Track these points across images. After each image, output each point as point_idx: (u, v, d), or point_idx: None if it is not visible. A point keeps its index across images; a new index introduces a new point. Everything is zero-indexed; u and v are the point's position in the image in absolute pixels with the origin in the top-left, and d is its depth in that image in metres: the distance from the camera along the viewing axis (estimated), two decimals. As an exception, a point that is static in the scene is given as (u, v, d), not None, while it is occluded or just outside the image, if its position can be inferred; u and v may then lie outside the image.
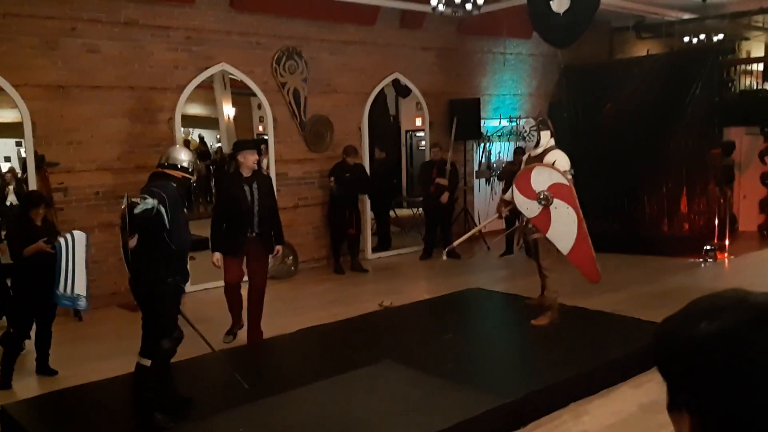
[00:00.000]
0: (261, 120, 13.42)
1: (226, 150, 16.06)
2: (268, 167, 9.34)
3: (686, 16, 12.03)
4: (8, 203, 10.18)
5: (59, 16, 7.40)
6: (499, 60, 11.92)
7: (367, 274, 9.40)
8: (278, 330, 6.59)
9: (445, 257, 7.28)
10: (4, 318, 6.09)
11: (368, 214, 10.36)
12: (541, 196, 6.05)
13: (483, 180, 11.85)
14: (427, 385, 4.82)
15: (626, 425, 4.49)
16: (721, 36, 12.78)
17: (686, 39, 13.07)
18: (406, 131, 14.34)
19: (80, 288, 5.29)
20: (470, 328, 6.55)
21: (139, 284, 4.41)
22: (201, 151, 16.30)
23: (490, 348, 6.12)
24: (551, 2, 8.39)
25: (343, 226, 9.30)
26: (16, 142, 11.48)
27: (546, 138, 6.38)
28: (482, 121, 11.34)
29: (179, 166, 4.72)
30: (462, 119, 10.75)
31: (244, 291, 6.38)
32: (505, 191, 9.90)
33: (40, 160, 7.32)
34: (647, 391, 4.98)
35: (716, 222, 9.77)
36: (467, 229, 11.25)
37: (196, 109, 15.86)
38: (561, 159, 6.27)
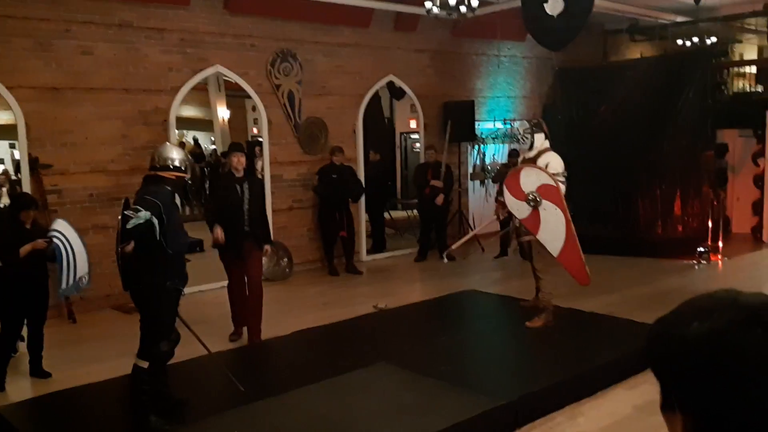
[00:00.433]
0: (255, 122, 13.44)
1: (221, 152, 16.07)
2: (262, 169, 9.35)
3: (679, 19, 12.08)
4: (1, 205, 10.15)
5: (53, 17, 7.39)
6: (494, 62, 11.94)
7: (361, 276, 9.40)
8: (273, 332, 6.59)
9: (445, 260, 7.31)
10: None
11: (363, 216, 10.36)
12: (530, 197, 6.08)
13: (477, 182, 11.87)
14: (422, 387, 4.83)
15: (621, 426, 4.50)
16: (714, 39, 12.85)
17: (679, 42, 13.13)
18: (401, 133, 14.37)
19: (82, 269, 5.32)
20: (465, 330, 6.56)
21: (139, 288, 4.40)
22: (196, 153, 16.27)
23: (485, 350, 6.13)
24: (545, 5, 8.42)
25: (333, 229, 9.29)
26: (10, 144, 11.46)
27: (540, 140, 6.41)
28: (476, 124, 11.36)
29: (172, 166, 4.60)
30: (456, 121, 10.77)
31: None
32: (500, 194, 9.95)
33: (33, 162, 7.30)
34: (642, 393, 4.99)
35: (710, 224, 9.80)
36: (462, 230, 11.28)
37: (190, 111, 15.86)
38: (554, 161, 6.30)
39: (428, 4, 8.18)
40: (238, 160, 6.33)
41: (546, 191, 6.03)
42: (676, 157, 9.99)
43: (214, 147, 17.00)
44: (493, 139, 11.95)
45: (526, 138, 6.43)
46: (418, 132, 11.73)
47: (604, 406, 4.81)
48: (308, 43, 9.51)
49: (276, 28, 9.16)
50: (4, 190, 10.43)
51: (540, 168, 6.15)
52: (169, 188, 4.50)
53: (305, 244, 9.67)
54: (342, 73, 9.93)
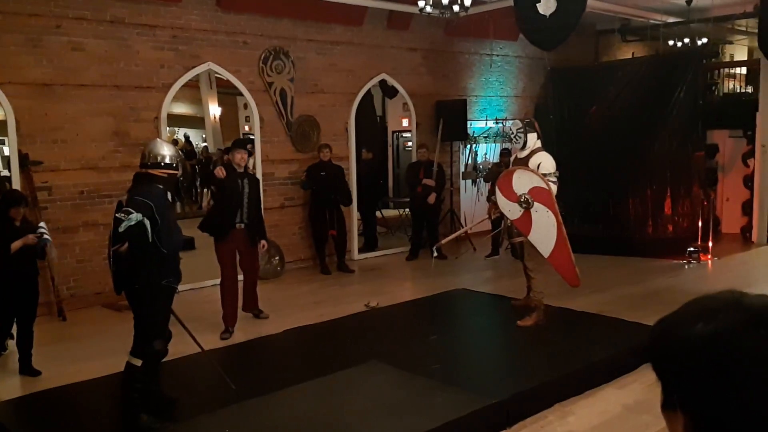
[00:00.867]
0: (247, 120, 13.41)
1: (212, 149, 16.02)
2: (254, 167, 9.32)
3: (671, 20, 12.13)
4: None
5: (44, 13, 7.34)
6: (486, 62, 11.96)
7: (353, 274, 9.40)
8: (265, 330, 6.60)
9: (435, 254, 7.33)
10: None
11: (354, 215, 10.35)
12: (522, 199, 6.10)
13: (469, 181, 11.88)
14: (413, 386, 4.83)
15: (611, 425, 4.52)
16: (704, 40, 12.92)
17: (671, 42, 13.19)
18: (393, 132, 14.36)
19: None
20: (456, 329, 6.57)
21: (134, 288, 4.38)
22: (187, 150, 16.21)
23: (476, 349, 6.14)
24: (538, 5, 8.44)
25: (323, 227, 9.29)
26: (-1, 140, 11.37)
27: (533, 140, 6.43)
28: (469, 123, 11.37)
29: (163, 163, 4.53)
30: (449, 120, 10.78)
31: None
32: (491, 193, 9.96)
33: (23, 158, 7.25)
34: (632, 392, 5.02)
35: (700, 224, 9.86)
36: (454, 230, 11.29)
37: (181, 109, 15.80)
38: (546, 161, 6.31)
39: (421, 3, 8.19)
40: (242, 157, 6.67)
41: (537, 194, 6.05)
42: (667, 157, 10.04)
43: (205, 144, 16.94)
44: (485, 138, 11.97)
45: (519, 137, 6.44)
46: (410, 131, 11.73)
47: (595, 405, 4.82)
48: (301, 41, 9.50)
49: (268, 26, 9.14)
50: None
51: (532, 171, 6.17)
52: (160, 187, 4.46)
53: (297, 242, 9.66)
54: (334, 71, 9.91)
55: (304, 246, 9.73)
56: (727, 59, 15.56)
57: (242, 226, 6.61)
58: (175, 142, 15.42)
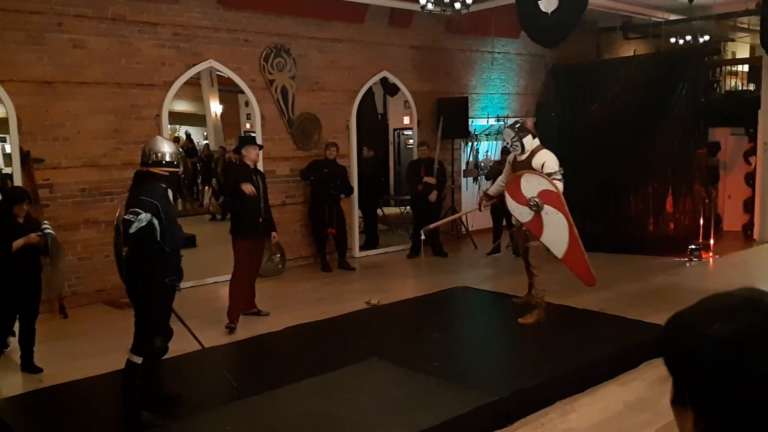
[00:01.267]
0: (248, 117, 13.40)
1: (213, 147, 16.02)
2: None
3: (673, 17, 12.10)
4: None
5: (45, 11, 7.34)
6: (488, 59, 11.95)
7: (354, 272, 9.40)
8: (266, 327, 6.60)
9: (423, 236, 7.37)
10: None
11: (356, 213, 10.35)
12: (532, 203, 6.10)
13: (471, 179, 11.88)
14: (414, 384, 4.83)
15: (612, 423, 4.52)
16: (707, 37, 12.89)
17: (673, 40, 13.17)
18: (394, 129, 14.35)
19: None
20: (457, 327, 6.58)
21: (137, 285, 4.38)
22: (188, 148, 16.22)
23: (477, 346, 6.14)
24: (539, 2, 8.42)
25: (323, 225, 9.29)
26: (1, 137, 11.38)
27: (529, 142, 6.38)
28: (470, 120, 11.37)
29: (164, 161, 4.52)
30: (450, 118, 10.77)
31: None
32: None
33: (25, 156, 7.26)
34: (633, 390, 5.02)
35: (701, 222, 9.84)
36: (455, 227, 11.31)
37: (183, 106, 15.82)
38: (549, 160, 6.29)
39: (423, 0, 8.17)
40: (257, 154, 6.98)
41: (547, 196, 6.06)
42: (669, 154, 10.02)
43: (206, 142, 16.95)
44: (487, 135, 11.96)
45: (516, 146, 6.39)
46: (411, 128, 11.72)
47: (596, 403, 4.82)
48: (302, 39, 9.49)
49: (270, 23, 9.14)
50: (-4, 184, 10.36)
51: (540, 174, 6.16)
52: (163, 185, 4.45)
53: (298, 239, 9.66)
54: (336, 68, 9.91)
55: (305, 243, 9.74)
56: (729, 57, 15.52)
57: (261, 220, 6.82)
58: (176, 140, 15.43)
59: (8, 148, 8.24)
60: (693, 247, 9.58)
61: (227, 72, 8.91)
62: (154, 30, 8.12)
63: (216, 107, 16.25)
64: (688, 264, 9.40)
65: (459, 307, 7.53)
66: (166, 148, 4.58)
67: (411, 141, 12.35)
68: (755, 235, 10.96)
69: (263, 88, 9.15)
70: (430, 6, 8.21)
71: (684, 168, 9.95)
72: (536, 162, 6.29)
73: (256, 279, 7.14)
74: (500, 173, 7.16)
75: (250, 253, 6.83)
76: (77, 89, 7.60)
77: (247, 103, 10.64)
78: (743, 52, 15.69)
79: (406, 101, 11.28)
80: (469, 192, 11.84)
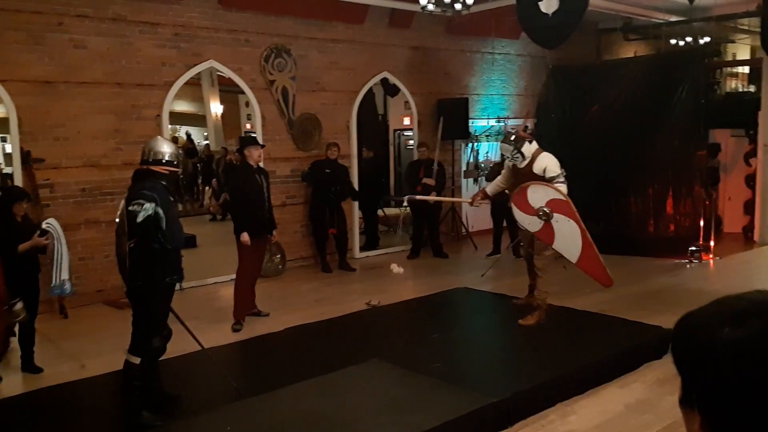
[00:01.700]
0: (249, 118, 13.40)
1: (214, 147, 16.03)
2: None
3: (673, 19, 12.11)
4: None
5: (46, 11, 7.34)
6: (488, 60, 11.95)
7: (354, 272, 9.40)
8: (266, 328, 6.60)
9: (405, 203, 7.42)
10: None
11: (356, 213, 10.35)
12: (541, 213, 6.10)
13: (471, 180, 11.88)
14: (415, 384, 4.83)
15: (612, 425, 4.51)
16: (707, 39, 12.89)
17: (673, 41, 13.17)
18: (394, 130, 14.35)
19: (65, 271, 5.35)
20: (458, 328, 6.57)
21: (136, 283, 4.37)
22: (188, 148, 16.22)
23: (478, 347, 6.14)
24: (540, 3, 8.42)
25: (324, 226, 9.29)
26: (1, 137, 11.39)
27: (528, 149, 6.34)
28: (470, 121, 11.36)
29: (164, 160, 4.52)
30: (450, 119, 10.77)
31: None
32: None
33: (25, 155, 7.26)
34: (633, 391, 5.02)
35: (701, 223, 9.84)
36: (455, 228, 11.30)
37: (183, 106, 15.82)
38: (551, 163, 6.27)
39: (423, 1, 8.17)
40: (260, 154, 6.99)
41: (556, 205, 6.06)
42: (669, 156, 10.02)
43: (206, 142, 16.95)
44: (487, 136, 11.96)
45: (517, 157, 6.35)
46: (411, 129, 11.72)
47: (596, 405, 4.82)
48: (302, 39, 9.49)
49: (270, 24, 9.14)
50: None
51: (545, 184, 6.15)
52: (163, 183, 4.46)
53: (298, 240, 9.66)
54: (336, 69, 9.91)
55: (305, 244, 9.74)
56: (730, 58, 15.52)
57: (267, 218, 6.90)
58: (175, 140, 15.43)
59: (9, 148, 8.24)
60: (693, 248, 9.57)
61: (228, 72, 8.91)
62: (155, 30, 8.12)
63: (216, 108, 16.26)
64: (688, 266, 9.40)
65: (459, 308, 7.53)
66: (166, 148, 4.59)
67: (411, 142, 12.35)
68: (755, 237, 10.95)
69: (264, 88, 9.15)
70: (430, 7, 8.21)
71: (684, 169, 9.94)
72: (537, 166, 6.26)
73: (257, 279, 7.14)
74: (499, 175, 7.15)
75: (255, 251, 6.85)
76: (78, 89, 7.60)
77: (247, 104, 10.66)
78: (743, 54, 15.70)
79: (407, 102, 11.28)
80: (470, 193, 11.82)
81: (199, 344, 5.06)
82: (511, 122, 11.87)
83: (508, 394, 4.59)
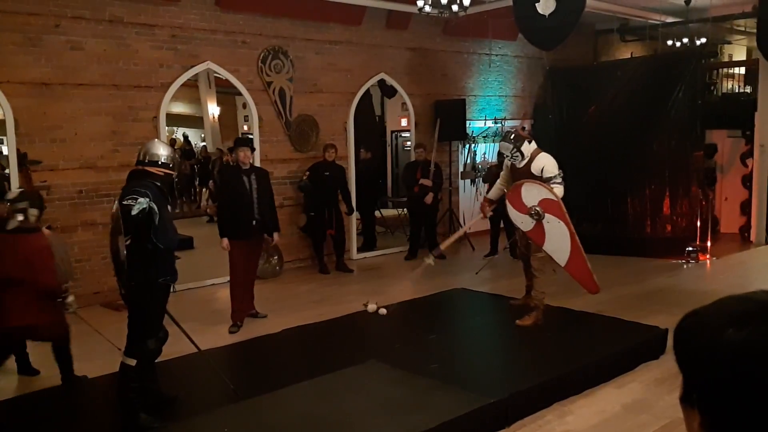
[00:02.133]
0: (246, 119, 13.40)
1: (211, 149, 16.02)
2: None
3: (670, 20, 12.14)
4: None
5: (43, 12, 7.33)
6: (485, 61, 11.96)
7: (352, 274, 9.40)
8: (263, 330, 6.59)
9: (432, 262, 7.25)
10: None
11: (353, 215, 10.34)
12: (533, 212, 6.11)
13: (468, 181, 11.89)
14: (413, 385, 4.83)
15: (609, 425, 4.52)
16: (703, 40, 12.93)
17: (670, 42, 13.21)
18: (392, 131, 14.37)
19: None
20: (455, 329, 6.57)
21: (130, 285, 4.36)
22: (186, 149, 16.22)
23: (475, 348, 6.14)
24: (537, 4, 8.44)
25: (322, 227, 9.28)
26: (-2, 139, 11.36)
27: (527, 149, 6.35)
28: (467, 122, 11.38)
29: (159, 162, 4.53)
30: (447, 120, 10.78)
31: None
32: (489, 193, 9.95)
33: (22, 157, 7.25)
34: (630, 391, 5.03)
35: (698, 224, 9.86)
36: (452, 229, 11.30)
37: (180, 108, 15.81)
38: (549, 164, 6.28)
39: (420, 3, 8.19)
40: (245, 155, 6.77)
41: (547, 205, 6.06)
42: (666, 156, 10.04)
43: (204, 144, 16.94)
44: (484, 137, 11.98)
45: (516, 156, 6.36)
46: (409, 130, 11.73)
47: (593, 405, 4.83)
48: (300, 41, 9.50)
49: (267, 25, 9.14)
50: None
51: (539, 183, 6.16)
52: (157, 184, 4.45)
53: (296, 242, 9.66)
54: (333, 70, 9.91)
55: (302, 245, 9.73)
56: (726, 59, 15.56)
57: (254, 222, 6.72)
58: (173, 142, 15.43)
59: (5, 150, 8.22)
60: (690, 249, 9.60)
61: (225, 74, 8.91)
62: (152, 32, 8.12)
63: (214, 109, 16.26)
64: (685, 266, 9.42)
65: (457, 309, 7.53)
66: (162, 151, 4.60)
67: (408, 143, 12.36)
68: (752, 238, 10.98)
69: (261, 89, 9.15)
70: (427, 8, 8.22)
71: (681, 170, 9.97)
72: (536, 166, 6.28)
73: (254, 281, 7.11)
74: (497, 176, 7.16)
75: (244, 255, 6.76)
76: (75, 91, 7.59)
77: (244, 105, 10.65)
78: (740, 55, 15.75)
79: (404, 103, 11.29)
80: (467, 194, 11.86)
81: (195, 346, 5.05)
82: (508, 123, 11.89)
83: (505, 395, 4.59)
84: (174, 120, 15.31)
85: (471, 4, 8.34)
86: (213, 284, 8.51)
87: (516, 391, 4.68)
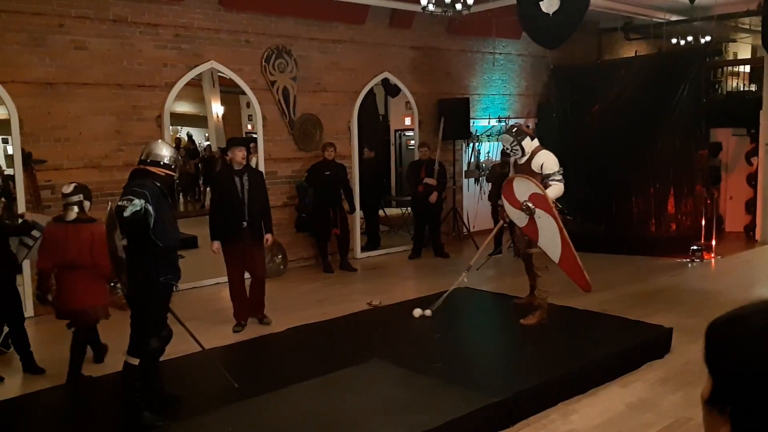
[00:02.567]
0: (250, 118, 13.40)
1: (215, 148, 16.03)
2: (257, 165, 9.31)
3: (674, 18, 12.10)
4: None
5: (47, 12, 7.35)
6: (489, 60, 11.95)
7: (356, 273, 9.40)
8: (267, 329, 6.60)
9: (465, 280, 7.17)
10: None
11: (357, 213, 10.34)
12: (524, 206, 6.11)
13: (472, 180, 11.88)
14: (416, 384, 4.83)
15: (613, 424, 4.51)
16: (708, 38, 12.88)
17: (674, 40, 13.16)
18: (395, 130, 14.36)
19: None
20: (459, 328, 6.57)
21: (130, 284, 4.37)
22: (190, 149, 16.23)
23: (479, 347, 6.14)
24: (541, 3, 8.42)
25: (326, 226, 9.28)
26: (3, 139, 11.38)
27: (528, 144, 6.36)
28: (471, 121, 11.36)
29: (162, 162, 4.54)
30: (451, 119, 10.77)
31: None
32: (492, 193, 9.94)
33: (27, 157, 7.27)
34: (635, 391, 5.01)
35: (703, 222, 9.84)
36: (456, 228, 11.30)
37: (184, 107, 15.81)
38: (549, 160, 6.28)
39: (424, 1, 8.17)
40: (243, 155, 6.58)
41: (536, 200, 6.05)
42: (670, 155, 10.02)
43: (208, 143, 16.95)
44: (488, 136, 11.96)
45: (516, 150, 6.36)
46: (412, 129, 11.72)
47: (598, 404, 4.82)
48: (303, 40, 9.50)
49: (271, 24, 9.14)
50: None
51: (528, 177, 6.16)
52: (157, 184, 4.44)
53: (300, 240, 9.66)
54: (337, 69, 9.91)
55: (306, 244, 9.74)
56: (731, 57, 15.51)
57: (245, 224, 6.51)
58: (178, 141, 15.45)
59: (10, 150, 8.24)
60: (695, 248, 9.57)
61: (228, 73, 8.92)
62: (156, 31, 8.13)
63: (217, 108, 16.26)
64: (689, 265, 9.40)
65: (460, 307, 7.51)
66: (165, 152, 4.61)
67: (412, 142, 12.35)
68: (757, 236, 10.95)
69: (264, 89, 9.15)
70: (431, 7, 8.20)
71: (685, 169, 9.95)
72: (535, 163, 6.28)
73: (263, 284, 6.82)
74: (501, 176, 7.16)
75: (239, 257, 6.57)
76: (79, 90, 7.61)
77: (248, 104, 10.65)
78: (745, 53, 15.68)
79: (407, 102, 11.28)
80: (470, 193, 11.84)
81: (200, 345, 5.06)
82: (512, 122, 11.86)
83: (509, 394, 4.59)
84: (178, 119, 15.31)
85: (475, 2, 8.31)
86: (217, 283, 8.51)
87: (520, 390, 4.67)
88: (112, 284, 5.24)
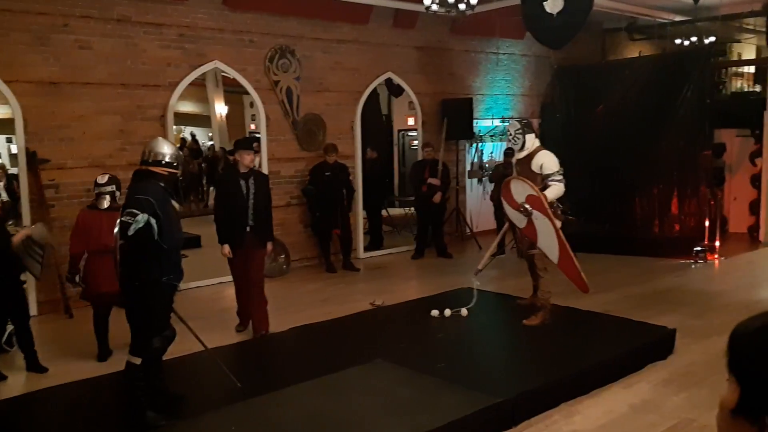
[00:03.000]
0: (253, 118, 13.41)
1: (218, 148, 16.04)
2: (260, 165, 9.31)
3: (678, 18, 12.09)
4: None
5: (51, 12, 7.36)
6: (492, 60, 11.94)
7: (358, 273, 9.40)
8: (270, 328, 6.59)
9: (476, 282, 7.14)
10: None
11: (360, 214, 10.35)
12: (522, 208, 6.12)
13: (475, 180, 11.87)
14: (419, 385, 4.83)
15: (617, 425, 4.50)
16: (712, 38, 12.86)
17: (678, 41, 13.14)
18: (399, 131, 14.34)
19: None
20: (461, 328, 6.56)
21: (133, 284, 4.37)
22: (193, 149, 16.24)
23: (482, 348, 6.13)
24: (545, 3, 8.41)
25: (329, 226, 9.28)
26: (7, 138, 11.41)
27: (531, 141, 6.40)
28: (475, 121, 11.36)
29: (164, 161, 4.50)
30: (454, 119, 10.77)
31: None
32: (494, 194, 9.94)
33: (31, 156, 7.28)
34: (638, 392, 5.01)
35: (707, 223, 9.82)
36: (459, 228, 11.29)
37: (188, 107, 15.82)
38: (549, 161, 6.29)
39: (427, 1, 8.17)
40: (251, 159, 6.40)
41: (533, 201, 6.06)
42: (674, 156, 10.00)
43: (211, 143, 16.96)
44: (491, 136, 11.96)
45: (518, 138, 6.40)
46: (416, 129, 11.72)
47: (601, 405, 4.81)
48: (307, 40, 9.50)
49: (274, 24, 9.15)
50: (1, 184, 10.39)
51: (523, 180, 6.17)
52: (161, 184, 4.43)
53: (303, 240, 9.67)
54: (340, 69, 9.92)
55: (309, 244, 9.74)
56: (735, 58, 15.48)
57: (248, 228, 6.36)
58: (183, 141, 15.47)
59: (14, 149, 8.26)
60: (698, 248, 9.56)
61: (232, 73, 8.93)
62: (160, 31, 8.14)
63: (221, 108, 16.27)
64: (693, 266, 9.38)
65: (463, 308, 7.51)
66: (166, 149, 4.56)
67: (415, 142, 12.34)
68: (761, 237, 10.93)
69: (268, 89, 9.16)
70: (434, 7, 8.20)
71: (689, 169, 9.93)
72: (535, 163, 6.30)
73: (262, 292, 6.48)
74: (504, 176, 7.18)
75: (242, 261, 6.40)
76: (83, 90, 7.62)
77: (252, 104, 10.64)
78: (749, 54, 15.64)
79: (411, 102, 11.28)
80: (474, 193, 11.84)
81: (203, 344, 5.06)
82: (508, 123, 11.84)
83: (512, 395, 4.59)
84: (182, 119, 15.31)
85: (478, 2, 8.31)
86: (220, 282, 8.52)
87: (523, 390, 4.67)
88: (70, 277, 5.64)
